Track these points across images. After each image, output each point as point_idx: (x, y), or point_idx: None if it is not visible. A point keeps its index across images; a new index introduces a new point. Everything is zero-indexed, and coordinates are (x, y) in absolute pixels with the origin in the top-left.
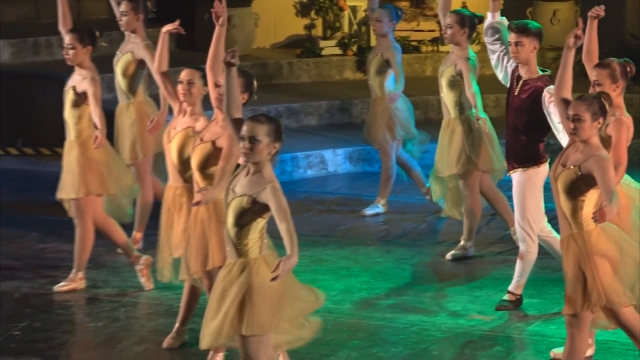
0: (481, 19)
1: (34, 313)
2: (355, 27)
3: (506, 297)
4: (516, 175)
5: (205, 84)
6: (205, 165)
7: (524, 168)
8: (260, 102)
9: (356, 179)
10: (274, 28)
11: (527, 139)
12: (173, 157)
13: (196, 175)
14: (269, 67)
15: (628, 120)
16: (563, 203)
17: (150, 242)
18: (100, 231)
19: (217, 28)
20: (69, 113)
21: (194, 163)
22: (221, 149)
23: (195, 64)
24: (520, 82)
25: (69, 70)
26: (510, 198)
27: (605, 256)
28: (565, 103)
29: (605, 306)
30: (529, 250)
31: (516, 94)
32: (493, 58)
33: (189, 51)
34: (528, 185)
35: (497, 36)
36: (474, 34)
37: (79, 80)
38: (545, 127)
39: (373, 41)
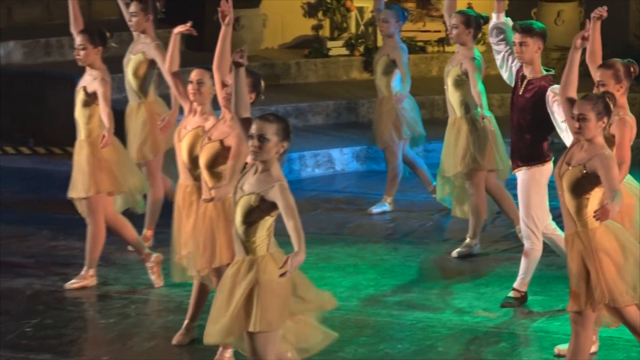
0: (486, 20)
1: (46, 310)
2: (362, 27)
3: (511, 294)
4: (521, 174)
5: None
6: (214, 164)
7: (529, 166)
8: (268, 102)
9: (363, 177)
10: (281, 29)
11: (531, 137)
12: (183, 156)
13: (204, 174)
14: (277, 67)
15: (631, 119)
16: (568, 201)
17: (161, 240)
18: (111, 229)
19: (223, 28)
20: (79, 113)
21: (202, 162)
22: (229, 147)
23: (204, 64)
24: (525, 82)
25: (80, 71)
26: (515, 196)
27: (608, 254)
28: (570, 102)
29: (609, 304)
30: (533, 247)
31: (520, 93)
32: (498, 58)
33: (198, 52)
34: (532, 184)
35: (501, 36)
36: (480, 34)
37: (90, 81)
38: (549, 126)
39: (380, 42)
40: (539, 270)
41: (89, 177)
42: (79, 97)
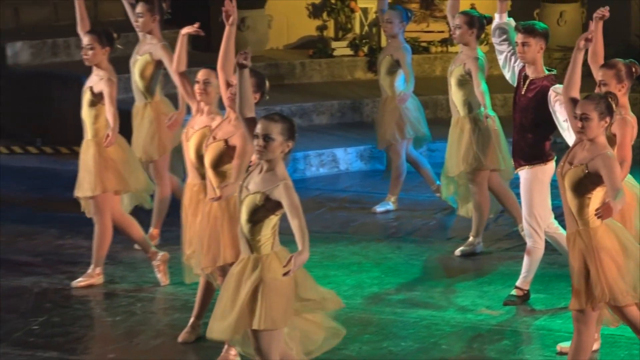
0: (489, 20)
1: (53, 308)
2: (366, 28)
3: (514, 292)
4: (523, 173)
5: None
6: (218, 163)
7: (531, 165)
8: (273, 102)
9: (367, 176)
10: (287, 29)
11: (533, 137)
12: (191, 155)
13: (209, 173)
14: (281, 67)
15: (633, 119)
16: (570, 200)
17: (167, 239)
18: (118, 228)
19: (227, 27)
20: (86, 113)
21: (207, 161)
22: (233, 147)
23: (210, 64)
24: (527, 82)
25: (87, 71)
26: (518, 195)
27: (609, 253)
28: (573, 102)
29: (609, 302)
30: (536, 246)
31: (523, 93)
32: (501, 58)
33: (204, 52)
34: (535, 183)
35: (504, 37)
36: (483, 35)
37: (96, 81)
38: (551, 126)
39: (383, 42)
40: (542, 268)
41: (96, 176)
42: (86, 97)
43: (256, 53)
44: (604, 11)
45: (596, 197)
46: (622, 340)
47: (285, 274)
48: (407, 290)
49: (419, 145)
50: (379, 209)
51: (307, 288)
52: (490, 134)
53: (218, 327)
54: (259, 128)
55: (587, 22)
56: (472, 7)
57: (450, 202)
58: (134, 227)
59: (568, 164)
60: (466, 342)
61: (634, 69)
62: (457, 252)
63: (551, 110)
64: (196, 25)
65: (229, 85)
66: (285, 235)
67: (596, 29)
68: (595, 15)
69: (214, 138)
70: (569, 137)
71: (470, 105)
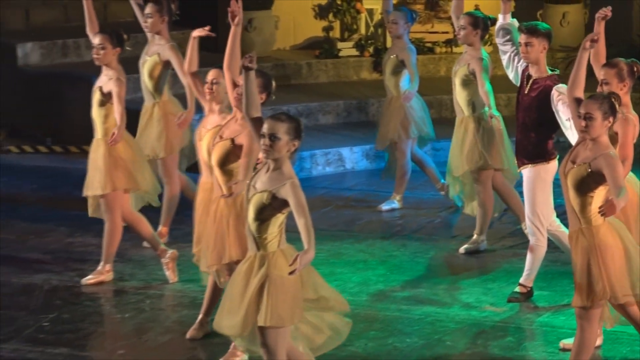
0: (493, 21)
1: (63, 305)
2: (371, 29)
3: (517, 289)
4: (526, 172)
5: None
6: (225, 161)
7: (534, 164)
8: (280, 102)
9: (373, 175)
10: (293, 30)
11: (536, 136)
12: (204, 154)
13: (216, 172)
14: (288, 67)
15: (635, 117)
16: (572, 199)
17: (176, 237)
18: (128, 225)
19: (232, 28)
20: (96, 112)
21: (214, 160)
22: (240, 146)
23: (220, 65)
24: (530, 81)
25: (97, 72)
26: (521, 194)
27: (611, 251)
28: (577, 102)
29: (610, 300)
30: (538, 244)
31: (526, 92)
32: (504, 58)
33: (212, 53)
34: (538, 181)
35: (508, 37)
36: (487, 36)
37: (106, 81)
38: (553, 125)
39: (389, 43)
40: (545, 266)
41: (106, 174)
42: (95, 97)
43: (263, 53)
44: (606, 11)
45: (598, 195)
46: (624, 336)
47: (291, 273)
48: (412, 288)
49: (423, 145)
50: (385, 207)
51: (310, 288)
52: (494, 133)
53: (227, 323)
54: (265, 127)
55: (590, 22)
56: (476, 8)
57: (455, 200)
58: (144, 225)
59: (571, 162)
60: (470, 338)
61: (635, 68)
62: (462, 249)
63: (554, 109)
64: (207, 28)
65: (235, 85)
66: (292, 233)
67: (598, 29)
68: (597, 15)
69: (221, 137)
70: (572, 136)
71: (474, 105)
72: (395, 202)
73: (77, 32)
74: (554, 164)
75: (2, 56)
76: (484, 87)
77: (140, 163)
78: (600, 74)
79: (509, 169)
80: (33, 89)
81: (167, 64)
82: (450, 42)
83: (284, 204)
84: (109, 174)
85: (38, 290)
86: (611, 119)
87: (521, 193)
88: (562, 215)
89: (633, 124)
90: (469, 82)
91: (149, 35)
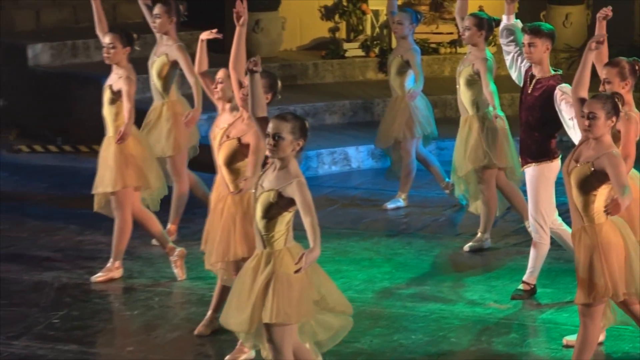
0: (498, 22)
1: (73, 302)
2: (377, 30)
3: (521, 286)
4: (530, 170)
5: None
6: (232, 161)
7: (537, 163)
8: (286, 102)
9: (378, 174)
10: (300, 31)
11: (539, 135)
12: (216, 153)
13: (223, 170)
14: (295, 68)
15: (637, 116)
16: (575, 197)
17: (184, 235)
18: (137, 223)
19: (237, 28)
20: (107, 110)
21: (221, 159)
22: (246, 145)
23: (227, 65)
24: (534, 81)
25: (106, 72)
26: (524, 192)
27: (614, 249)
28: (581, 102)
29: (612, 298)
30: (541, 241)
31: (529, 92)
32: (508, 58)
33: (219, 54)
34: (541, 180)
35: (511, 38)
36: (491, 36)
37: (116, 79)
38: (557, 124)
39: (394, 43)
40: (548, 263)
41: (116, 171)
42: (106, 95)
43: (270, 54)
44: (607, 11)
45: (601, 194)
46: (627, 333)
47: (296, 271)
48: (417, 285)
49: (427, 143)
50: (390, 205)
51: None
52: (498, 132)
53: (234, 320)
54: (270, 127)
55: (592, 23)
56: (480, 9)
57: (460, 199)
58: (153, 222)
59: (574, 161)
60: (474, 335)
61: (636, 67)
62: (466, 247)
63: (557, 108)
64: (214, 30)
65: (241, 85)
66: (299, 231)
67: (600, 28)
68: (598, 15)
69: (227, 136)
70: (575, 135)
71: (478, 104)
72: (400, 201)
73: (87, 33)
74: (557, 163)
75: (12, 57)
76: (489, 87)
77: (151, 161)
78: (602, 73)
79: (513, 169)
80: (43, 89)
81: (175, 64)
82: (455, 43)
83: (291, 202)
84: (119, 171)
85: (48, 288)
86: (614, 119)
87: (524, 192)
88: (565, 213)
89: (635, 122)
90: (473, 82)
91: (157, 35)
